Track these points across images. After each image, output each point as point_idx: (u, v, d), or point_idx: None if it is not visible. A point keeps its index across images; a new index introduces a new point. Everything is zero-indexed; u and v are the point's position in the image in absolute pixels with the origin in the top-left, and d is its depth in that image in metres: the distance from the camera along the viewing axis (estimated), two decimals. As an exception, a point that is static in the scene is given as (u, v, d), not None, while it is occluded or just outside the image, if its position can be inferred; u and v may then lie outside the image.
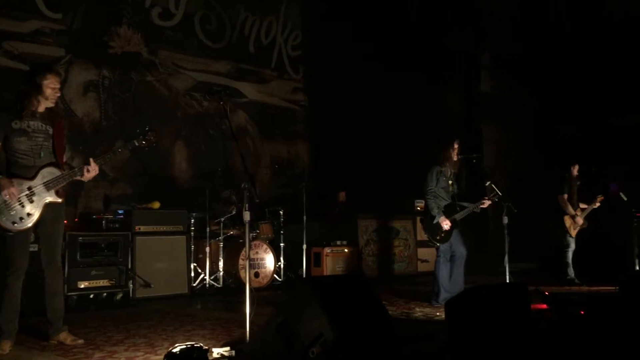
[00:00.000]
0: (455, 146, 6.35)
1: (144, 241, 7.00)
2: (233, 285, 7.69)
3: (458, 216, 6.24)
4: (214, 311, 6.41)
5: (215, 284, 7.68)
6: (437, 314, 5.56)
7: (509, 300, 4.06)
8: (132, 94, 9.02)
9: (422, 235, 9.20)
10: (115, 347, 4.35)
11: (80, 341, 4.44)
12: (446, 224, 6.13)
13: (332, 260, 8.48)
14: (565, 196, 7.89)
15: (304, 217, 8.35)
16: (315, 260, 8.50)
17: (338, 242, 8.65)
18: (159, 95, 9.37)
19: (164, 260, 7.13)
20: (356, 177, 9.95)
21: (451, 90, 10.69)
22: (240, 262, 7.58)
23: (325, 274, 8.25)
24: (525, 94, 10.83)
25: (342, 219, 9.27)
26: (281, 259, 8.38)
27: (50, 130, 4.38)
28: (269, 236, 8.35)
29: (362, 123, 10.51)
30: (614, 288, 6.26)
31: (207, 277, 7.63)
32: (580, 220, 7.84)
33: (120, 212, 7.28)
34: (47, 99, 4.36)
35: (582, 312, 5.17)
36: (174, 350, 3.56)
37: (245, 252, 4.26)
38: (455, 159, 6.34)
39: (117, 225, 6.99)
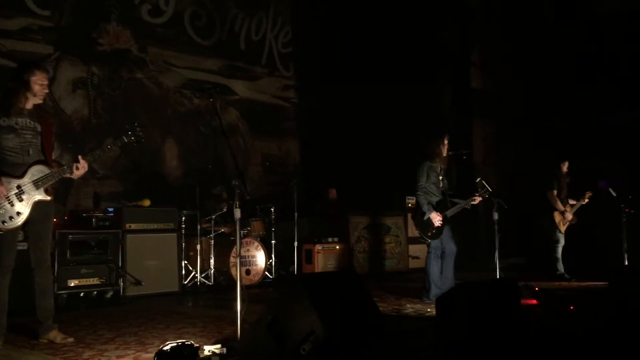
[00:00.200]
0: (445, 142, 6.37)
1: (134, 239, 6.98)
2: (224, 282, 7.68)
3: (449, 213, 6.26)
4: (205, 309, 6.41)
5: (206, 281, 7.66)
6: (428, 310, 5.58)
7: (499, 295, 4.09)
8: (121, 91, 8.97)
9: (413, 232, 9.23)
10: (105, 345, 4.33)
11: (71, 340, 4.42)
12: (438, 220, 6.15)
13: (323, 257, 8.48)
14: (555, 192, 7.93)
15: (295, 214, 8.35)
16: (307, 257, 8.51)
17: (329, 239, 8.66)
18: (149, 92, 9.33)
19: (154, 258, 7.11)
20: (347, 174, 9.96)
21: (441, 87, 10.72)
22: (232, 259, 7.57)
23: (316, 270, 8.26)
24: (515, 91, 10.87)
25: (332, 216, 9.27)
26: (272, 256, 8.38)
27: (39, 128, 4.36)
28: (260, 233, 8.34)
29: (352, 119, 10.52)
30: (603, 283, 6.30)
31: (198, 275, 7.62)
32: (569, 216, 7.90)
33: (110, 209, 7.25)
34: (35, 95, 4.33)
35: (572, 308, 5.21)
36: (165, 348, 3.55)
37: (236, 249, 4.25)
38: (445, 154, 6.36)
39: (107, 223, 6.96)
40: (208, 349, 3.82)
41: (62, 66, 8.35)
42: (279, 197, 9.30)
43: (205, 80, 9.88)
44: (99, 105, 8.70)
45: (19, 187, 4.17)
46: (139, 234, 7.05)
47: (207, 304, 6.76)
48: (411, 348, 4.02)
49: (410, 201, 9.51)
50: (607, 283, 5.59)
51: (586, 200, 7.96)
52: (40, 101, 4.40)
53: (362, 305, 3.85)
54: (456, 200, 6.37)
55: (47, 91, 4.43)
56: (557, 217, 7.89)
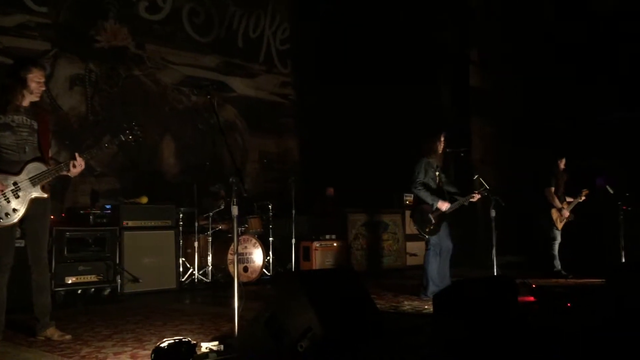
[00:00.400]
0: (442, 139, 6.38)
1: (131, 236, 6.97)
2: (222, 280, 7.68)
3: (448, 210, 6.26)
4: (202, 306, 6.40)
5: (203, 278, 7.66)
6: (426, 307, 5.58)
7: (496, 293, 4.09)
8: (119, 88, 8.96)
9: (411, 229, 9.24)
10: (103, 342, 4.33)
11: (68, 337, 4.42)
12: (445, 206, 6.16)
13: (321, 254, 8.49)
14: (552, 189, 7.95)
15: (293, 212, 8.36)
16: (304, 254, 8.52)
17: (327, 237, 8.66)
18: (147, 89, 9.32)
19: (152, 255, 7.10)
20: (345, 171, 9.96)
21: (440, 86, 10.72)
22: (229, 256, 7.57)
23: (314, 268, 8.26)
24: (513, 89, 10.88)
25: (330, 213, 9.27)
26: (270, 253, 8.38)
27: (35, 125, 4.34)
28: (258, 230, 8.34)
29: (351, 117, 10.52)
30: (600, 280, 6.31)
31: (195, 272, 7.62)
32: (566, 213, 7.92)
33: (107, 207, 7.25)
34: (31, 93, 4.32)
35: (569, 305, 5.22)
36: (162, 345, 3.55)
37: (234, 246, 4.25)
38: (441, 151, 6.37)
39: (104, 220, 6.95)
40: (205, 346, 3.82)
41: (60, 63, 8.33)
42: (277, 195, 9.30)
43: (203, 77, 9.87)
44: (97, 102, 8.68)
45: (15, 184, 4.16)
46: (137, 231, 7.04)
47: (204, 301, 6.76)
48: (409, 345, 4.03)
49: (408, 198, 9.51)
50: (604, 280, 5.61)
51: (583, 198, 7.98)
52: (37, 98, 4.39)
53: (360, 302, 3.85)
54: (455, 196, 6.38)
55: (44, 88, 4.42)
56: (555, 214, 7.91)
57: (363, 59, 10.60)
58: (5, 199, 4.10)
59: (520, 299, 4.90)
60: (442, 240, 6.29)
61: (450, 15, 10.66)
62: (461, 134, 9.94)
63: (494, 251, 6.40)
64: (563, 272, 7.76)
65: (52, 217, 4.71)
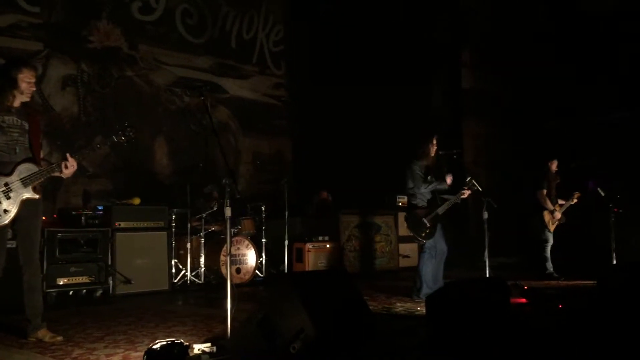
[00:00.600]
0: (434, 142, 6.39)
1: (124, 237, 6.95)
2: (214, 281, 7.67)
3: (440, 210, 6.28)
4: (195, 307, 6.39)
5: (196, 280, 7.65)
6: (418, 308, 5.59)
7: (489, 294, 4.10)
8: (112, 89, 8.93)
9: (403, 231, 9.26)
10: (94, 344, 4.31)
11: (59, 338, 4.40)
12: (450, 179, 6.28)
13: (314, 255, 8.49)
14: (544, 192, 7.99)
15: (286, 213, 8.36)
16: (297, 255, 8.51)
17: (320, 238, 8.66)
18: (140, 90, 9.30)
19: (144, 256, 7.08)
20: (338, 173, 9.97)
21: (432, 87, 10.75)
22: (222, 258, 7.56)
23: (307, 269, 8.26)
24: (505, 90, 10.92)
25: (323, 215, 9.28)
26: (263, 254, 8.38)
27: (26, 126, 4.32)
28: (251, 232, 8.33)
29: (343, 118, 10.53)
30: (592, 282, 6.34)
31: (188, 273, 7.60)
32: (558, 215, 7.96)
33: (99, 208, 7.22)
34: (22, 93, 4.30)
35: (561, 306, 5.24)
36: (155, 347, 3.54)
37: (227, 248, 4.25)
38: (433, 154, 6.38)
39: (96, 221, 6.91)
40: (198, 348, 3.81)
41: (52, 63, 8.30)
42: (270, 196, 9.29)
43: (196, 79, 9.85)
44: (89, 103, 8.65)
45: (6, 184, 4.13)
46: (129, 232, 7.02)
47: (197, 302, 6.75)
48: (401, 347, 4.03)
49: (401, 200, 9.53)
50: (595, 282, 5.63)
51: (575, 201, 8.03)
52: (27, 99, 4.36)
53: (353, 304, 3.85)
54: (446, 196, 6.39)
55: (34, 89, 4.40)
56: (547, 216, 7.95)
57: (355, 61, 10.61)
58: (-4, 200, 4.08)
59: (513, 300, 4.92)
60: (438, 242, 6.30)
61: (442, 17, 10.69)
62: (453, 136, 9.97)
63: (486, 253, 6.42)
64: (555, 274, 7.80)
65: (43, 218, 4.69)
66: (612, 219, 7.76)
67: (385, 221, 9.57)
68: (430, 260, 6.27)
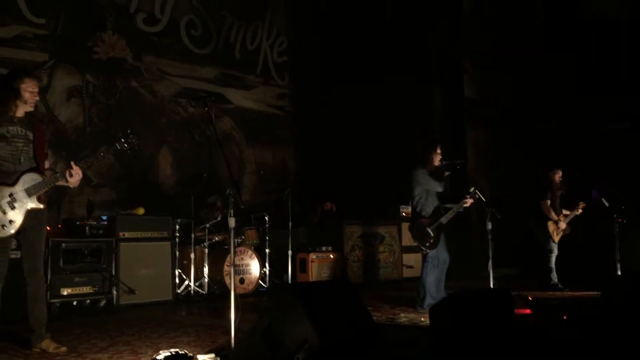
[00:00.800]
0: (438, 151, 6.40)
1: (128, 247, 6.95)
2: (218, 291, 7.66)
3: (444, 219, 6.27)
4: (198, 318, 6.38)
5: (200, 290, 7.64)
6: (422, 319, 5.58)
7: (492, 305, 4.09)
8: (116, 100, 8.97)
9: (407, 241, 9.25)
10: (98, 354, 4.31)
11: (63, 349, 4.40)
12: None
13: (318, 266, 8.47)
14: (548, 202, 7.95)
15: (290, 223, 8.36)
16: (301, 266, 8.50)
17: (323, 248, 8.65)
18: (144, 101, 9.34)
19: (148, 266, 7.08)
20: (341, 183, 9.98)
21: (435, 96, 10.77)
22: (225, 268, 7.55)
23: (310, 279, 8.25)
24: (508, 99, 10.93)
25: (326, 225, 9.28)
26: (266, 264, 8.37)
27: (30, 136, 4.33)
28: (254, 242, 8.33)
29: (347, 128, 10.56)
30: (596, 293, 6.31)
31: (191, 284, 7.60)
32: (563, 226, 7.92)
33: (104, 218, 7.22)
34: (25, 103, 4.32)
35: (565, 317, 5.22)
36: (158, 357, 3.55)
37: (230, 258, 4.25)
38: (437, 163, 6.38)
39: (100, 232, 6.93)
40: (202, 358, 3.81)
41: (57, 74, 8.35)
42: (273, 206, 9.30)
43: (200, 89, 9.89)
44: (94, 113, 8.69)
45: (11, 195, 4.15)
46: (133, 242, 7.02)
47: (200, 312, 6.74)
48: (405, 357, 4.02)
49: (404, 210, 9.53)
50: (600, 293, 5.61)
51: (580, 211, 7.98)
52: (31, 109, 4.38)
53: (356, 314, 3.85)
54: (448, 205, 6.38)
55: (37, 98, 4.41)
56: (551, 226, 7.91)
57: (358, 70, 10.66)
58: (1, 211, 4.09)
59: (517, 311, 4.90)
60: (440, 252, 6.29)
61: (444, 25, 10.73)
62: (456, 143, 9.97)
63: (490, 263, 6.40)
64: (560, 285, 7.76)
65: (48, 228, 4.71)
66: (616, 229, 7.73)
67: (389, 231, 9.56)
68: (433, 270, 6.26)
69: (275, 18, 11.39)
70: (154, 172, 9.31)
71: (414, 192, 6.35)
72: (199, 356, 3.86)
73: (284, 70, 11.46)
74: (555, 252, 7.91)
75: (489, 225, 6.38)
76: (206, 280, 7.67)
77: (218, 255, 7.77)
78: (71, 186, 4.41)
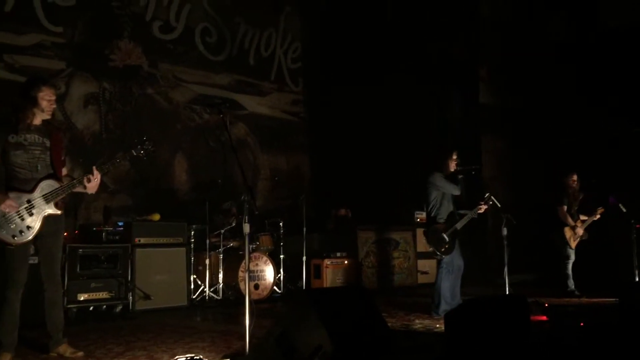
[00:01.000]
0: (454, 157, 6.38)
1: (143, 253, 7.00)
2: (232, 297, 7.68)
3: (459, 225, 6.25)
4: (213, 323, 6.40)
5: (215, 296, 7.67)
6: (437, 325, 5.55)
7: (508, 312, 4.07)
8: (132, 106, 9.06)
9: (422, 247, 9.21)
10: (115, 359, 4.34)
11: (80, 354, 4.44)
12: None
13: (332, 272, 8.47)
14: (565, 207, 7.88)
15: (304, 229, 8.36)
16: (315, 272, 8.50)
17: (338, 254, 8.65)
18: (160, 108, 9.42)
19: (163, 272, 7.12)
20: (356, 189, 9.97)
21: (450, 102, 10.74)
22: (240, 274, 7.57)
23: (325, 285, 8.24)
24: (524, 105, 10.88)
25: (341, 231, 9.27)
26: (281, 270, 8.38)
27: (48, 143, 4.38)
28: (269, 248, 8.35)
29: (361, 134, 10.56)
30: (613, 300, 6.25)
31: (206, 289, 7.63)
32: (580, 232, 7.84)
33: (120, 224, 7.29)
34: (42, 111, 4.36)
35: (582, 324, 5.17)
36: (174, 363, 3.56)
37: (245, 264, 4.27)
38: (453, 169, 6.37)
39: (117, 237, 6.99)
40: (216, 364, 3.82)
41: (74, 82, 8.45)
42: (288, 212, 9.31)
43: (215, 96, 9.96)
44: (110, 120, 8.78)
45: (29, 201, 4.20)
46: (149, 248, 7.07)
47: (215, 318, 6.76)
48: (420, 364, 4.01)
49: (419, 216, 9.50)
50: (617, 299, 5.55)
51: (598, 216, 7.89)
52: (48, 116, 4.42)
53: (371, 320, 3.84)
54: (463, 211, 6.36)
55: (54, 106, 4.45)
56: (568, 232, 7.84)
57: (373, 77, 10.65)
58: (19, 217, 4.14)
59: (533, 318, 4.87)
60: (455, 258, 6.27)
61: (461, 32, 10.72)
62: (471, 151, 9.93)
63: (505, 269, 6.36)
64: (576, 292, 7.68)
65: (65, 234, 4.75)
66: (633, 235, 7.65)
67: (404, 237, 9.53)
68: (448, 276, 6.23)
69: (289, 24, 11.43)
70: (169, 179, 9.38)
71: (430, 197, 6.34)
72: (214, 362, 3.87)
73: (298, 76, 11.50)
74: (572, 258, 7.84)
75: (505, 231, 6.35)
76: (221, 286, 7.70)
77: (233, 261, 7.79)
78: (89, 192, 4.44)
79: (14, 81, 7.65)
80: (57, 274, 4.48)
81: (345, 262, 8.65)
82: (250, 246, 7.52)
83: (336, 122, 10.83)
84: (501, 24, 11.10)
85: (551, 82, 10.56)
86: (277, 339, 3.51)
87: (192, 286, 7.48)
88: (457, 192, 6.29)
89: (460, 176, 6.34)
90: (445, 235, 6.17)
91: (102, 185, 4.60)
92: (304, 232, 8.37)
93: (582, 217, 7.94)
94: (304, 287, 8.26)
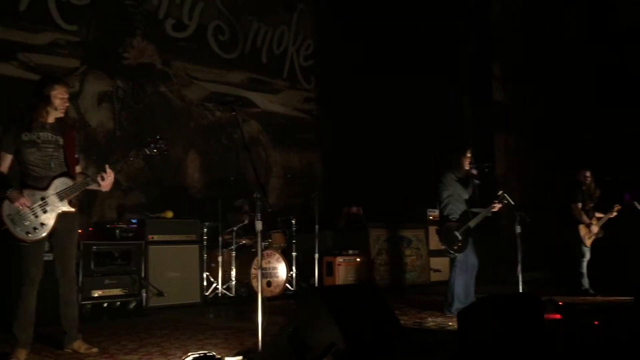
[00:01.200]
0: (468, 154, 6.35)
1: (157, 250, 7.05)
2: (245, 294, 7.70)
3: (472, 223, 6.22)
4: (226, 320, 6.43)
5: (227, 293, 7.69)
6: (450, 323, 5.54)
7: (522, 310, 4.04)
8: (145, 104, 9.10)
9: (434, 245, 9.18)
10: (128, 355, 4.38)
11: (95, 350, 4.48)
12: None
13: (344, 269, 8.47)
14: (579, 205, 7.81)
15: (316, 227, 8.37)
16: (328, 269, 8.50)
17: (350, 252, 8.65)
18: (173, 105, 9.45)
19: (176, 269, 7.16)
20: (368, 186, 9.95)
21: (463, 100, 10.69)
22: (253, 271, 7.59)
23: (337, 283, 8.24)
24: (537, 103, 10.80)
25: (353, 229, 9.27)
26: (293, 268, 8.38)
27: (61, 141, 4.41)
28: (281, 245, 8.36)
29: (374, 132, 10.54)
30: (628, 298, 6.19)
31: (219, 287, 7.65)
32: (595, 229, 7.75)
33: (133, 221, 7.33)
34: (56, 109, 4.39)
35: (596, 323, 5.13)
36: (187, 359, 3.58)
37: (258, 261, 4.28)
38: (467, 167, 6.34)
39: (130, 235, 7.02)
40: (229, 361, 3.84)
41: (88, 80, 8.50)
42: (300, 209, 9.32)
43: (227, 94, 9.98)
44: (124, 118, 8.83)
45: (43, 198, 4.23)
46: (162, 245, 7.11)
47: (228, 315, 6.79)
48: (432, 362, 4.00)
49: (432, 214, 9.47)
50: (632, 298, 5.50)
51: (614, 214, 7.80)
52: (61, 114, 4.45)
53: (383, 318, 3.84)
54: (477, 209, 6.33)
55: (67, 104, 4.47)
56: (583, 230, 7.76)
57: (384, 74, 10.62)
58: (33, 214, 4.18)
59: (547, 316, 4.83)
60: (468, 256, 6.24)
61: (473, 29, 10.66)
62: (484, 148, 9.88)
63: (519, 267, 6.32)
64: (591, 290, 7.61)
65: (79, 231, 4.79)
66: (648, 233, 7.57)
67: (416, 235, 9.51)
68: (461, 275, 6.21)
69: (302, 22, 11.42)
70: (182, 176, 9.41)
71: (442, 196, 6.32)
72: (227, 358, 3.89)
73: (310, 74, 11.49)
74: (588, 256, 7.77)
75: (518, 229, 6.31)
76: (233, 283, 7.72)
77: (245, 259, 7.81)
78: (103, 190, 4.46)
79: (29, 79, 7.70)
80: (71, 271, 4.51)
81: (358, 259, 8.65)
82: (263, 243, 7.57)
83: (348, 119, 10.81)
84: (515, 20, 11.02)
85: (565, 79, 10.47)
86: (289, 336, 3.51)
87: (205, 283, 7.51)
88: (465, 196, 6.26)
89: (477, 182, 6.30)
90: (457, 234, 6.14)
91: (116, 183, 4.63)
92: (316, 230, 8.37)
93: (598, 215, 7.86)
94: (316, 285, 8.27)
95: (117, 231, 6.93)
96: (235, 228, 7.83)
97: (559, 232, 8.19)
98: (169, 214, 7.52)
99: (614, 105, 9.65)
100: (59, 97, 4.38)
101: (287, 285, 8.14)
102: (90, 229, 7.30)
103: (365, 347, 3.47)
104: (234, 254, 7.77)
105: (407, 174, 9.85)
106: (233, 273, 7.74)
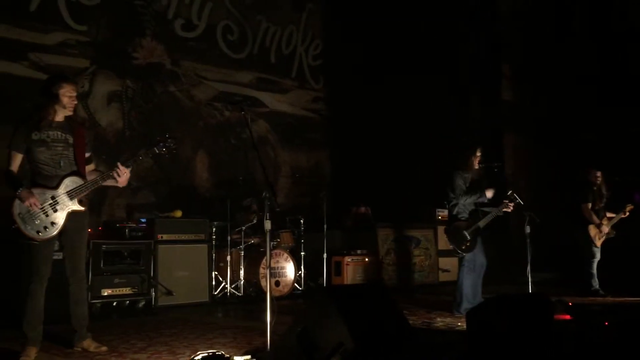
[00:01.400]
0: (478, 154, 6.33)
1: (166, 249, 7.07)
2: (254, 293, 7.72)
3: (482, 223, 6.19)
4: (234, 319, 6.44)
5: (236, 292, 7.71)
6: (459, 324, 5.52)
7: (531, 310, 4.03)
8: (154, 104, 9.12)
9: (443, 245, 9.15)
10: (137, 354, 4.39)
11: (104, 348, 4.49)
12: (490, 193, 6.27)
13: (353, 269, 8.46)
14: (589, 205, 7.74)
15: (325, 226, 8.37)
16: (336, 269, 8.50)
17: (358, 251, 8.64)
18: (182, 105, 9.47)
19: (185, 268, 7.18)
20: (376, 186, 9.94)
21: (472, 99, 10.67)
22: (261, 270, 7.60)
23: (345, 282, 8.24)
24: (546, 102, 10.75)
25: (361, 228, 9.26)
26: (302, 267, 8.39)
27: (70, 140, 4.42)
28: (290, 245, 8.37)
29: (382, 131, 10.53)
30: (638, 299, 6.15)
31: (228, 286, 7.67)
32: (606, 229, 7.68)
33: (142, 220, 7.36)
34: (64, 107, 4.41)
35: (607, 323, 5.10)
36: (196, 358, 3.60)
37: (266, 260, 4.28)
38: (477, 166, 6.31)
39: (139, 234, 7.05)
40: (238, 360, 3.85)
41: (98, 80, 8.53)
42: (308, 209, 9.32)
43: (236, 93, 10.00)
44: (133, 117, 8.86)
45: (53, 197, 4.25)
46: (171, 244, 7.14)
47: (237, 314, 6.80)
48: (441, 362, 3.99)
49: (441, 214, 9.44)
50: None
51: (627, 214, 7.73)
52: (70, 113, 4.46)
53: (392, 318, 3.83)
54: (487, 209, 6.31)
55: (75, 102, 4.49)
56: (593, 230, 7.70)
57: (393, 73, 10.61)
58: (43, 213, 4.20)
59: (557, 317, 4.81)
60: (477, 256, 6.22)
61: (482, 28, 10.63)
62: (493, 148, 9.85)
63: (528, 268, 6.29)
64: (601, 291, 7.55)
65: (89, 230, 4.81)
66: (659, 233, 7.51)
67: (425, 235, 9.49)
68: (470, 274, 6.18)
69: (310, 22, 11.42)
70: (191, 176, 9.44)
71: (450, 195, 6.30)
72: (235, 357, 3.89)
73: (319, 73, 11.49)
74: (598, 257, 7.70)
75: (528, 229, 6.28)
76: (242, 282, 7.74)
77: (254, 258, 7.83)
78: (120, 185, 4.49)
79: (39, 79, 7.74)
80: (81, 270, 4.54)
81: (366, 259, 8.64)
82: (271, 243, 7.59)
83: (357, 119, 10.80)
84: (524, 20, 10.97)
85: (574, 79, 10.42)
86: (298, 336, 3.51)
87: (214, 282, 7.53)
88: (462, 201, 6.23)
89: (489, 191, 6.29)
90: (466, 233, 6.12)
91: (125, 182, 4.63)
92: (325, 229, 8.37)
93: (609, 215, 7.80)
94: (324, 284, 8.27)
95: (127, 230, 6.96)
96: (243, 227, 7.84)
97: (568, 232, 8.13)
98: (178, 214, 7.55)
99: (621, 105, 9.59)
100: (67, 95, 4.40)
101: (296, 284, 8.15)
102: (100, 228, 7.33)
103: (373, 347, 3.47)
104: (242, 253, 7.79)
105: (415, 174, 9.83)
106: (242, 272, 7.76)
